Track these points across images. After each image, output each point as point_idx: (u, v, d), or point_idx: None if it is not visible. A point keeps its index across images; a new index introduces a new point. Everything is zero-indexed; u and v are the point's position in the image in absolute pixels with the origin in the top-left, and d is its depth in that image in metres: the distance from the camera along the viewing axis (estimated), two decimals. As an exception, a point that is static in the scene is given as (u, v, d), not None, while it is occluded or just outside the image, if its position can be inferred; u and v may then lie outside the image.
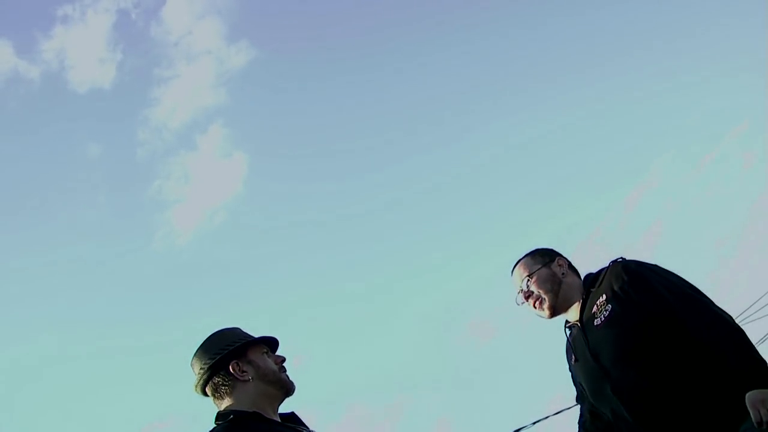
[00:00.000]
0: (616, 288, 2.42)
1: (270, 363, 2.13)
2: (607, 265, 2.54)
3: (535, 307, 2.61)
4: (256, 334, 2.23)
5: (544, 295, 2.59)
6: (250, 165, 13.93)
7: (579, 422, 2.70)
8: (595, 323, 2.45)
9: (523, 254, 2.73)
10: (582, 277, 2.65)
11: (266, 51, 13.48)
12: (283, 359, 2.18)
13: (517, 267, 2.71)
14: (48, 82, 12.27)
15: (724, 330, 2.22)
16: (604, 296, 2.45)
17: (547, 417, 7.66)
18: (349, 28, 13.72)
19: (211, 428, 1.95)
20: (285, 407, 2.17)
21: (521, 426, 7.47)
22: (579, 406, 2.74)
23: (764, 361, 2.17)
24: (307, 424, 2.15)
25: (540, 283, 2.60)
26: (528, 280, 2.63)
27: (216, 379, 2.09)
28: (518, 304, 2.68)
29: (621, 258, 2.52)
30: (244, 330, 2.26)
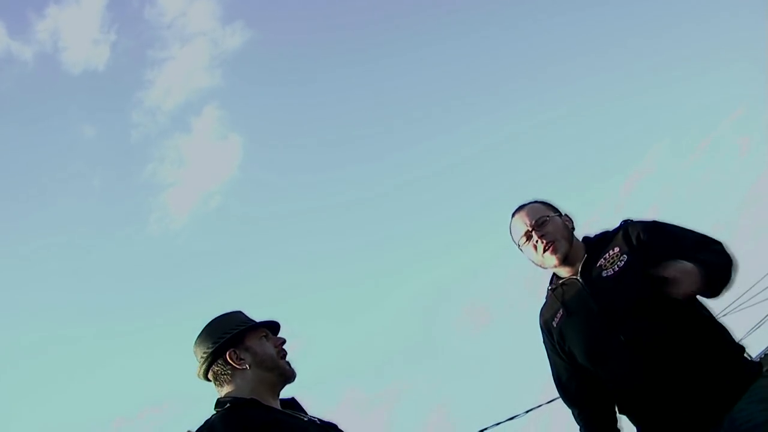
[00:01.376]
0: (633, 239, 2.35)
1: (268, 348, 2.13)
2: (618, 224, 2.46)
3: (546, 250, 2.42)
4: (256, 318, 2.23)
5: (561, 239, 2.43)
6: (245, 147, 13.88)
7: (580, 417, 2.49)
8: (604, 274, 2.34)
9: (529, 201, 2.58)
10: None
11: (262, 32, 13.36)
12: (283, 341, 2.18)
13: (527, 208, 2.54)
14: (41, 63, 12.19)
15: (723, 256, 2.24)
16: (617, 248, 2.37)
17: (539, 405, 7.74)
18: (346, 8, 13.61)
19: (209, 416, 1.96)
20: (287, 392, 2.17)
21: (515, 414, 7.55)
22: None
23: (730, 270, 2.22)
24: (306, 410, 2.14)
25: (557, 228, 2.45)
26: (544, 221, 2.46)
27: (215, 368, 2.10)
28: (520, 246, 2.52)
29: (630, 219, 2.45)
30: (246, 314, 2.25)
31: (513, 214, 2.56)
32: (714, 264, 2.18)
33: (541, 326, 2.57)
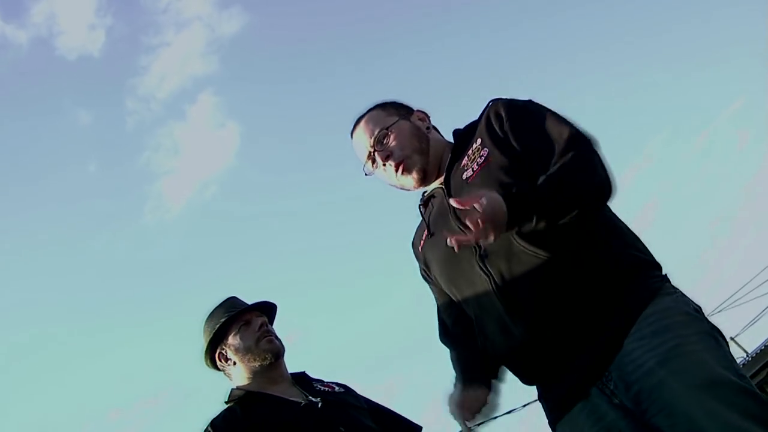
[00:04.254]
0: (494, 125, 1.81)
1: (246, 339, 2.19)
2: (483, 108, 1.90)
3: (398, 173, 1.91)
4: (249, 300, 2.32)
5: (412, 153, 1.90)
6: (242, 135, 13.82)
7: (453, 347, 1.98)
8: (465, 177, 1.80)
9: (366, 109, 2.02)
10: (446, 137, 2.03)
11: (259, 16, 13.26)
12: (263, 323, 2.23)
13: (362, 122, 1.99)
14: (37, 48, 12.11)
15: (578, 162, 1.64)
16: (479, 140, 1.82)
17: (535, 400, 7.73)
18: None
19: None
20: (296, 366, 2.28)
21: (512, 408, 7.54)
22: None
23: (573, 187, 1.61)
24: (314, 385, 2.21)
25: (402, 140, 1.91)
26: (384, 135, 1.92)
27: (217, 369, 2.26)
28: (366, 174, 1.99)
29: (498, 98, 1.88)
30: (239, 298, 2.32)
31: (351, 135, 2.03)
32: (553, 187, 1.58)
33: (411, 249, 2.06)
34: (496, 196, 1.50)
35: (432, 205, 1.94)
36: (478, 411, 1.79)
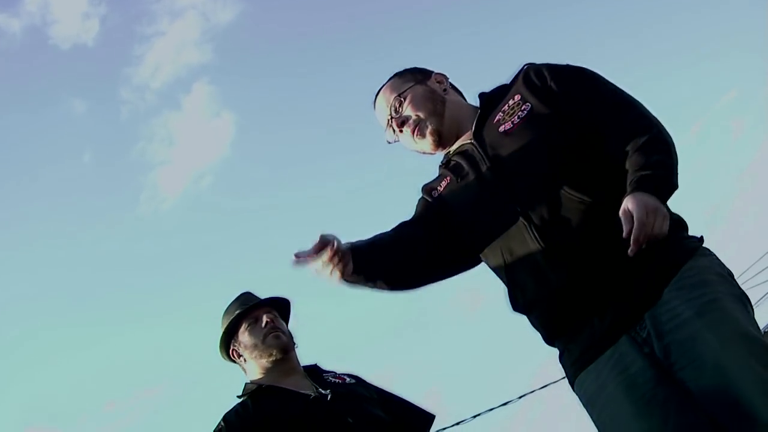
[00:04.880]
0: (537, 83, 1.81)
1: (254, 336, 2.23)
2: (518, 70, 1.91)
3: (414, 137, 1.93)
4: (261, 295, 2.35)
5: (424, 117, 1.91)
6: (238, 125, 13.73)
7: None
8: (502, 129, 1.80)
9: (387, 79, 2.04)
10: (469, 100, 2.05)
11: (255, 4, 13.16)
12: (270, 319, 2.25)
13: (381, 91, 2.02)
14: (30, 36, 12.00)
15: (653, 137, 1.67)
16: (517, 96, 1.83)
17: (533, 391, 7.75)
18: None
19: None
20: (309, 358, 2.32)
21: (509, 400, 7.56)
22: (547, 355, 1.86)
23: (675, 167, 1.64)
24: (325, 377, 2.23)
25: (416, 104, 1.92)
26: (398, 102, 1.94)
27: (235, 364, 2.33)
28: (390, 142, 2.01)
29: (533, 62, 1.90)
30: (252, 293, 2.35)
31: (374, 105, 2.05)
32: (663, 168, 1.62)
33: (420, 192, 2.03)
34: (639, 201, 1.51)
35: (458, 159, 1.90)
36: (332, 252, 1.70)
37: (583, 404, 1.71)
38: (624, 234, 1.51)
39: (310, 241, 1.70)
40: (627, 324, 1.59)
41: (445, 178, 1.92)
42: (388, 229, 1.94)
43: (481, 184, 1.80)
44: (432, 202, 1.96)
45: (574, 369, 1.70)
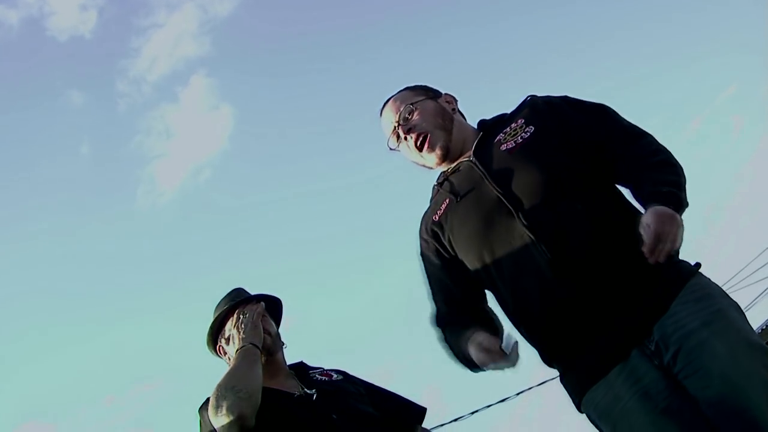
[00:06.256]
0: (543, 110, 1.89)
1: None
2: (522, 101, 1.98)
3: (419, 147, 1.96)
4: (253, 292, 2.31)
5: (435, 129, 1.95)
6: (235, 117, 13.69)
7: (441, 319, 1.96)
8: (504, 149, 1.85)
9: (396, 91, 2.09)
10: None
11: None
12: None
13: (391, 100, 2.06)
14: (28, 28, 11.97)
15: (662, 156, 1.78)
16: (521, 120, 1.89)
17: (530, 388, 7.78)
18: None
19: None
20: (295, 356, 2.30)
21: (506, 396, 7.58)
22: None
23: (684, 184, 1.72)
24: (311, 375, 2.21)
25: (426, 116, 1.97)
26: (408, 111, 1.98)
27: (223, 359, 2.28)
28: (391, 148, 2.04)
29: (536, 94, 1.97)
30: (244, 289, 2.32)
31: (380, 113, 2.10)
32: (677, 187, 1.70)
33: (419, 235, 2.03)
34: (656, 213, 1.57)
35: (454, 180, 1.94)
36: (499, 349, 1.67)
37: (593, 420, 1.74)
38: (644, 247, 1.56)
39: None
40: (637, 337, 1.64)
41: (444, 200, 1.94)
42: (464, 320, 1.88)
43: (483, 201, 1.82)
44: (449, 259, 1.93)
45: (582, 385, 1.73)
